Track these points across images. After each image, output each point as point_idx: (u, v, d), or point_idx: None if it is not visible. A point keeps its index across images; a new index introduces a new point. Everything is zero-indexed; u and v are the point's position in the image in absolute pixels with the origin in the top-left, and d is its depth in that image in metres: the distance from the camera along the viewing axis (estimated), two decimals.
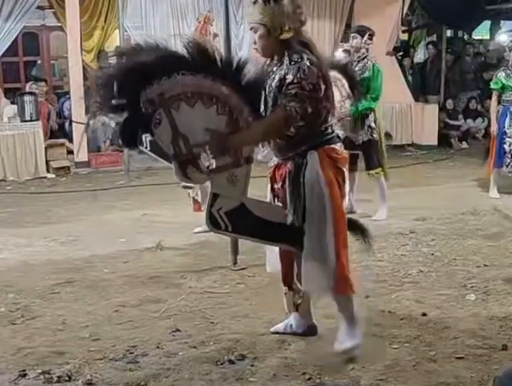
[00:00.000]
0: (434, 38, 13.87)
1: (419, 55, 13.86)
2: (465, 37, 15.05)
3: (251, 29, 3.21)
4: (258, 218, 3.19)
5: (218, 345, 3.53)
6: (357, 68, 6.03)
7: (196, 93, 3.04)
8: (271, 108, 3.14)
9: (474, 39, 15.15)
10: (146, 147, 3.12)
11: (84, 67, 9.59)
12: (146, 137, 3.21)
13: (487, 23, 15.12)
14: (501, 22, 14.91)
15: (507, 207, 6.65)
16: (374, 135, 6.11)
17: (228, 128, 3.10)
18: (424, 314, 3.89)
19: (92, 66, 9.89)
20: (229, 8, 5.44)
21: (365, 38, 6.08)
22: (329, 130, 3.22)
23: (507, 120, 7.11)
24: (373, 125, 6.11)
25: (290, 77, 3.05)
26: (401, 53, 12.83)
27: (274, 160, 3.34)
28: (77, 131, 9.07)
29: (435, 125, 11.46)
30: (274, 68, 3.19)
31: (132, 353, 3.45)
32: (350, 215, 3.50)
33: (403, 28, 12.72)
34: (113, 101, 3.01)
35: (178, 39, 9.18)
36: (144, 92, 2.99)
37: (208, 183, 3.29)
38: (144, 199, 7.41)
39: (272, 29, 3.11)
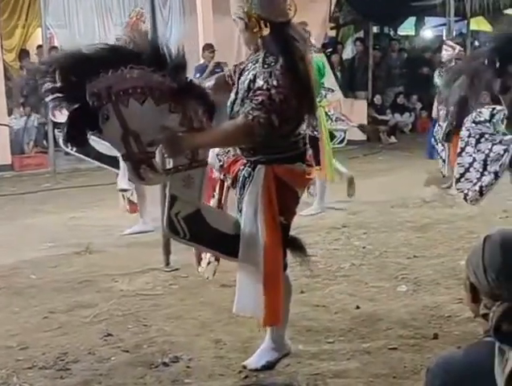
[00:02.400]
0: (361, 34, 14.17)
1: (347, 52, 14.12)
2: (391, 33, 15.44)
3: (234, 21, 3.03)
4: (212, 228, 3.03)
5: (152, 348, 3.49)
6: None
7: (146, 89, 2.84)
8: (239, 106, 2.98)
9: (400, 35, 15.56)
10: (72, 149, 3.05)
11: (4, 67, 9.31)
12: (92, 135, 3.06)
13: (412, 20, 15.55)
14: (426, 18, 15.35)
15: (435, 198, 6.86)
16: (315, 132, 6.18)
17: (182, 127, 2.93)
18: (357, 307, 3.96)
19: (13, 65, 9.62)
20: (156, 5, 5.39)
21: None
22: (289, 147, 3.01)
23: None
24: (317, 133, 6.18)
25: (259, 82, 2.86)
26: (329, 50, 13.03)
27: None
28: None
29: (364, 121, 11.70)
30: (249, 65, 3.02)
31: (63, 360, 3.37)
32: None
33: (331, 25, 12.94)
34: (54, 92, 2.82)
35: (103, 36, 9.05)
36: (90, 84, 2.80)
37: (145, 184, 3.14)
38: (72, 202, 7.26)
39: (250, 23, 2.92)
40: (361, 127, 11.16)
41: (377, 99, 12.69)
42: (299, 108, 2.93)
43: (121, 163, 5.19)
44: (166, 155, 3.00)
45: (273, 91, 2.81)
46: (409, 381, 3.07)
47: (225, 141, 3.04)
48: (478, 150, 4.31)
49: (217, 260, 3.34)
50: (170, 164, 3.03)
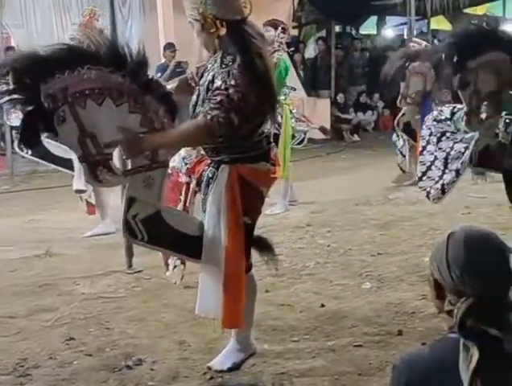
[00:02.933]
0: (323, 33, 14.25)
1: (310, 51, 14.19)
2: (353, 32, 15.56)
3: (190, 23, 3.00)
4: (173, 229, 2.99)
5: (115, 351, 3.45)
6: None
7: (105, 89, 2.82)
8: (200, 107, 2.96)
9: (362, 35, 15.69)
10: (27, 152, 2.99)
11: None
12: (47, 137, 3.00)
13: (374, 19, 15.70)
14: (387, 17, 15.51)
15: (398, 196, 6.94)
16: (280, 129, 6.23)
17: (142, 127, 2.89)
18: (322, 305, 3.98)
19: None
20: (115, 4, 5.34)
21: (278, 31, 6.18)
22: (252, 147, 3.00)
23: None
24: (279, 119, 6.21)
25: (218, 82, 2.85)
26: (292, 49, 13.07)
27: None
28: None
29: (327, 119, 11.77)
30: (209, 66, 3.01)
31: (23, 366, 3.30)
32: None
33: (294, 24, 12.97)
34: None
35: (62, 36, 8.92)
36: (45, 85, 2.75)
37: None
38: (30, 204, 7.15)
39: (206, 25, 2.89)
40: (322, 129, 11.22)
41: (340, 98, 12.78)
42: (260, 106, 2.91)
43: (76, 164, 5.17)
44: (125, 156, 2.94)
45: (231, 90, 2.80)
46: (374, 378, 3.09)
47: (185, 142, 3.02)
48: (439, 149, 4.37)
49: (183, 263, 3.32)
50: (129, 165, 2.98)
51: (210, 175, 3.04)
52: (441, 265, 1.58)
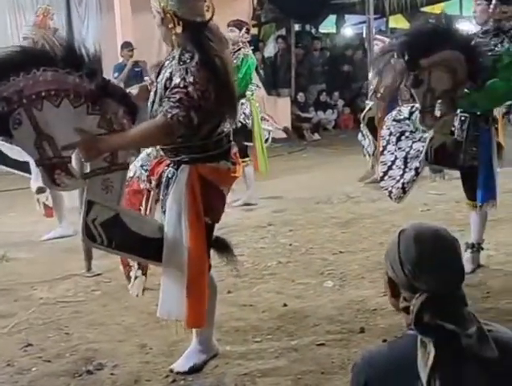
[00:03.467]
0: (283, 32, 14.29)
1: (270, 50, 14.21)
2: (313, 31, 15.64)
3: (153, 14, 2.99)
4: (132, 232, 2.96)
5: (75, 356, 3.41)
6: None
7: (61, 91, 2.77)
8: (158, 105, 2.94)
9: (321, 33, 15.78)
10: None
11: None
12: (2, 141, 2.93)
13: (333, 17, 15.81)
14: (346, 16, 15.64)
15: (358, 194, 7.00)
16: (247, 121, 6.32)
17: (101, 129, 2.85)
18: (285, 305, 3.99)
19: None
20: (71, 3, 5.26)
21: (243, 31, 6.32)
22: (212, 146, 3.00)
23: None
24: (247, 112, 6.35)
25: (176, 80, 2.83)
26: (251, 47, 13.07)
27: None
28: None
29: (287, 118, 11.81)
30: (166, 62, 2.99)
31: None
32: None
33: (253, 22, 12.97)
34: None
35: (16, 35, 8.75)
36: None
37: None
38: None
39: (165, 19, 2.89)
40: (285, 130, 11.28)
41: (301, 96, 12.83)
42: (219, 105, 2.91)
43: (33, 166, 5.09)
44: (83, 159, 2.91)
45: (190, 88, 2.80)
46: (337, 376, 3.11)
47: (144, 142, 3.01)
48: (399, 148, 4.43)
49: (144, 274, 3.30)
50: (88, 168, 2.94)
51: (170, 176, 3.02)
52: (394, 263, 1.60)
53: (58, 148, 2.82)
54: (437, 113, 4.16)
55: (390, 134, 4.49)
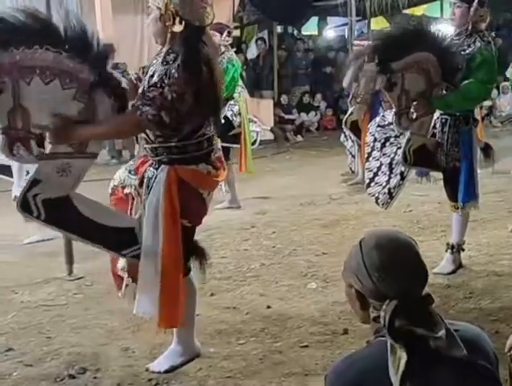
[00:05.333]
0: (265, 34, 14.31)
1: (252, 51, 14.22)
2: (295, 33, 15.68)
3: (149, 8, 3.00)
4: (84, 217, 2.98)
5: (57, 360, 3.38)
6: None
7: (56, 70, 2.80)
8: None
9: (304, 35, 15.82)
10: None
11: None
12: None
13: (315, 19, 15.86)
14: (328, 18, 15.69)
15: (341, 195, 7.02)
16: (234, 119, 6.34)
17: (80, 116, 2.88)
18: (268, 307, 3.99)
19: None
20: (51, 5, 5.21)
21: (224, 35, 6.31)
22: (191, 147, 3.00)
23: None
24: (235, 111, 6.36)
25: (155, 78, 2.86)
26: (234, 49, 13.07)
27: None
28: None
29: (270, 120, 11.80)
30: (154, 61, 3.00)
31: None
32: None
33: (235, 24, 12.98)
34: None
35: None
36: None
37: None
38: None
39: (165, 15, 2.89)
40: (273, 130, 11.30)
41: (284, 98, 12.86)
42: (198, 108, 2.92)
43: (15, 171, 5.07)
44: (50, 141, 2.92)
45: (166, 89, 2.82)
46: (320, 377, 3.07)
47: (114, 135, 3.15)
48: (384, 154, 4.46)
49: (134, 281, 3.28)
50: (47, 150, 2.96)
51: (150, 176, 3.04)
52: (359, 273, 1.62)
53: (29, 123, 2.85)
54: (413, 115, 4.20)
55: (375, 140, 4.51)
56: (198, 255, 3.19)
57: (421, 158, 4.29)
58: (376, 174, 4.46)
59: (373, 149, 4.51)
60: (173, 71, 2.84)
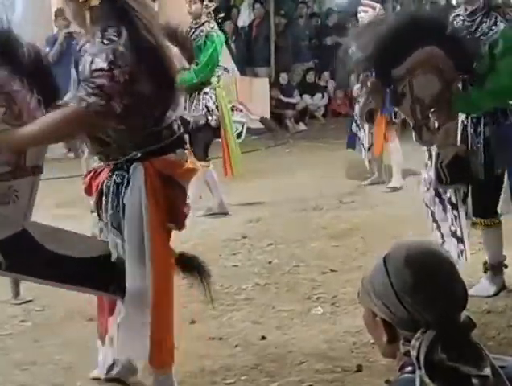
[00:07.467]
0: None
1: (244, 18, 14.18)
2: None
3: None
4: (51, 252, 2.97)
5: None
6: (193, 36, 6.38)
7: None
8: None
9: None
10: None
11: None
12: None
13: None
14: None
15: (353, 199, 7.05)
16: (209, 118, 6.32)
17: (5, 124, 2.87)
18: (263, 338, 4.01)
19: None
20: None
21: (206, 1, 6.44)
22: (163, 134, 3.07)
23: None
24: (210, 105, 6.36)
25: (98, 61, 2.84)
26: (221, 15, 13.04)
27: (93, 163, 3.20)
28: None
29: (266, 104, 11.82)
30: (87, 46, 2.98)
31: None
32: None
33: None
34: None
35: None
36: None
37: None
38: None
39: None
40: (263, 121, 11.29)
41: (283, 77, 12.85)
42: (156, 89, 2.96)
43: None
44: None
45: (116, 71, 2.82)
46: None
47: (51, 137, 3.04)
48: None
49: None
50: None
51: (119, 180, 3.04)
52: (385, 297, 1.61)
53: None
54: (434, 125, 4.18)
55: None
56: (194, 269, 3.28)
57: (456, 173, 4.24)
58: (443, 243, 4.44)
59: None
60: (121, 48, 2.83)
